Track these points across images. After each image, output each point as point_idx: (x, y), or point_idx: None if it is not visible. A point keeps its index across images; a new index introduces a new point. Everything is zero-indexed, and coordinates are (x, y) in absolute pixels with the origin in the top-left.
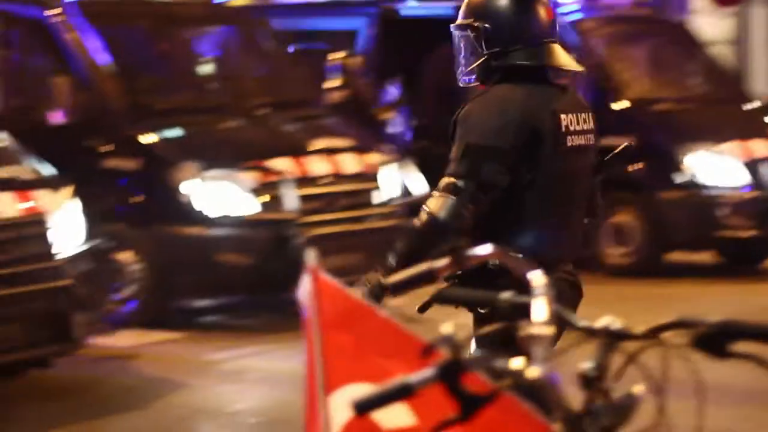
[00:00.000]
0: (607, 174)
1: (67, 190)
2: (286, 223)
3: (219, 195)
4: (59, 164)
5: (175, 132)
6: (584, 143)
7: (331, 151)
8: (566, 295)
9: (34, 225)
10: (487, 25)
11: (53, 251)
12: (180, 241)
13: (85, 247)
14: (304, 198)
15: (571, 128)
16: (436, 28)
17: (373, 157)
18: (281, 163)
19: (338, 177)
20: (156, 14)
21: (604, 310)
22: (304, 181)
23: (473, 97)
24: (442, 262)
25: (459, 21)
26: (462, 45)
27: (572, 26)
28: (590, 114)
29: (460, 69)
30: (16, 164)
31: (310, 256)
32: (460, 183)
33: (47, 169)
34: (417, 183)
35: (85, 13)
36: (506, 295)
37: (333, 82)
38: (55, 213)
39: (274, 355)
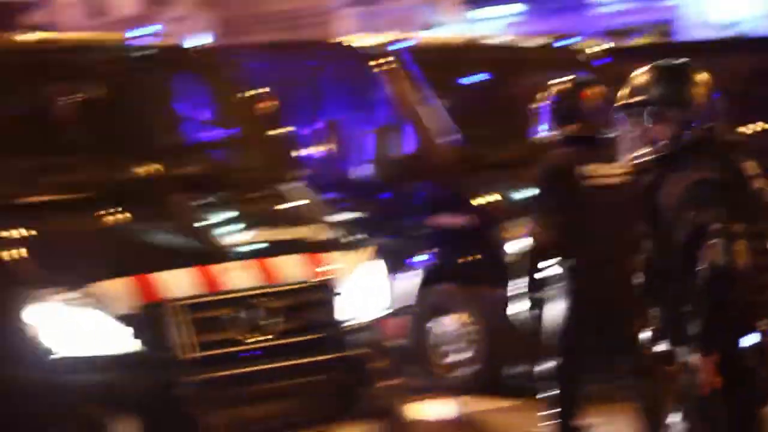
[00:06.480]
0: None
1: (367, 252)
2: None
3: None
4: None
5: (506, 187)
6: None
7: None
8: None
9: (323, 290)
10: None
11: (344, 318)
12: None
13: (384, 314)
14: None
15: None
16: None
17: None
18: None
19: None
20: (494, 60)
21: None
22: None
23: None
24: None
25: None
26: None
27: None
28: None
29: None
30: (313, 224)
31: None
32: None
33: (347, 228)
34: None
35: (418, 61)
36: None
37: None
38: (350, 277)
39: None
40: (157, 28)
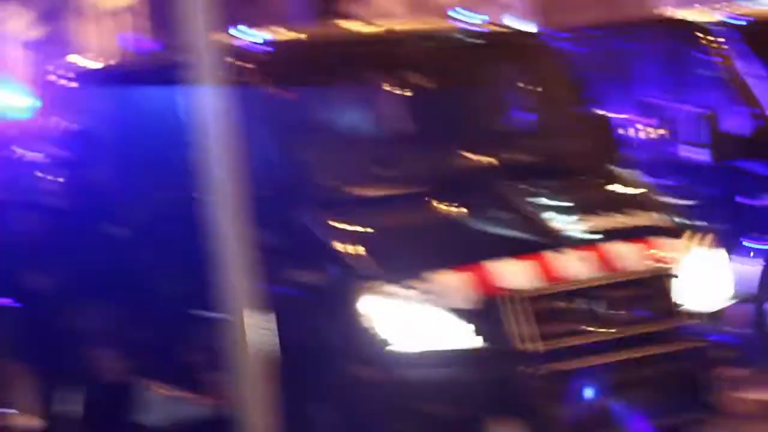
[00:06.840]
0: None
1: (707, 238)
2: None
3: None
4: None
5: None
6: None
7: None
8: None
9: (665, 279)
10: None
11: (687, 308)
12: None
13: (727, 302)
14: None
15: None
16: None
17: None
18: None
19: None
20: None
21: None
22: None
23: None
24: None
25: None
26: None
27: None
28: None
29: None
30: (649, 210)
31: None
32: None
33: (685, 213)
34: None
35: (748, 36)
36: None
37: None
38: (691, 264)
39: None
40: (482, 16)
